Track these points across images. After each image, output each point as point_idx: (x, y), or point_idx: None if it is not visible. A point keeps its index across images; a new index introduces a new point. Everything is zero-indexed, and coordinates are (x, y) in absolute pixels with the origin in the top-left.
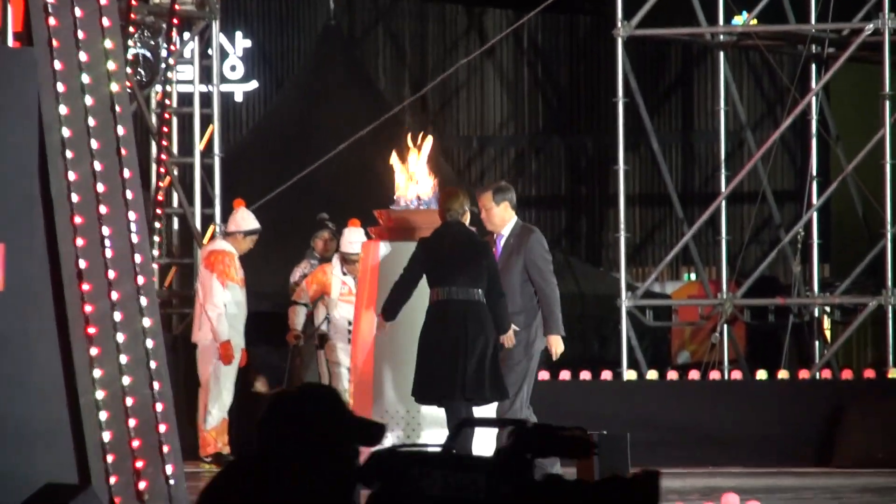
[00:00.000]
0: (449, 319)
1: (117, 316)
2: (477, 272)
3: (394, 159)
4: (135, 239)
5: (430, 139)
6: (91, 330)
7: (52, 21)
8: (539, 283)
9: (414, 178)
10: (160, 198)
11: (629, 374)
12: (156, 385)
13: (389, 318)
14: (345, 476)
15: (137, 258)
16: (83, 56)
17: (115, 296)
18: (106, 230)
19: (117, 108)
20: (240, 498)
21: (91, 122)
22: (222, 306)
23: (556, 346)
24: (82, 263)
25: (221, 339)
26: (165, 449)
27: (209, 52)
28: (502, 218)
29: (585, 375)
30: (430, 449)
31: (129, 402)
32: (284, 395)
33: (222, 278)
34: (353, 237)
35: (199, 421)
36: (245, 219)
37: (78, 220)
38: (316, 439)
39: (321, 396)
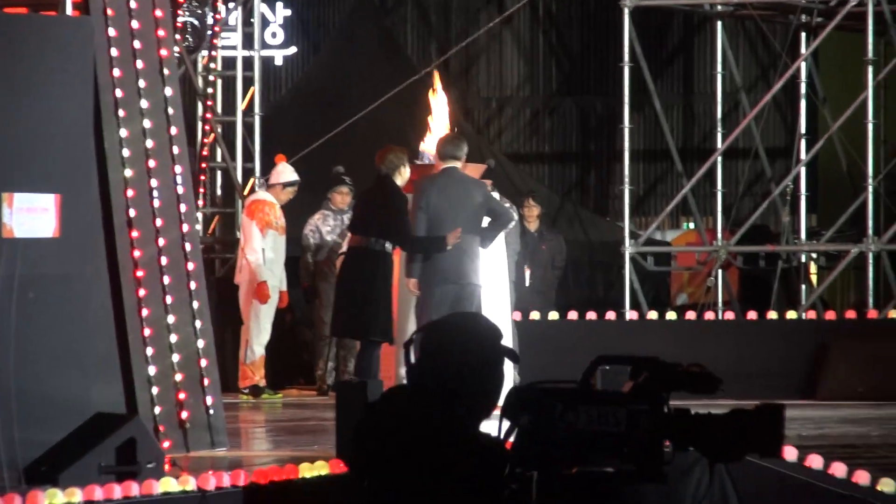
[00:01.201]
0: (346, 265)
1: (163, 260)
2: (374, 222)
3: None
4: (180, 190)
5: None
6: (139, 273)
7: None
8: None
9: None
10: (205, 153)
11: (631, 315)
12: (198, 323)
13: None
14: (493, 403)
15: (182, 207)
16: (135, 24)
17: (161, 242)
18: (154, 182)
19: (166, 72)
20: (397, 425)
21: (141, 83)
22: (260, 251)
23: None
24: (132, 212)
25: (259, 280)
26: (206, 382)
27: (251, 20)
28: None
29: (591, 315)
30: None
31: (172, 338)
32: (435, 325)
33: (261, 225)
34: None
35: (241, 355)
36: (284, 172)
37: (128, 172)
38: (470, 366)
39: (471, 323)
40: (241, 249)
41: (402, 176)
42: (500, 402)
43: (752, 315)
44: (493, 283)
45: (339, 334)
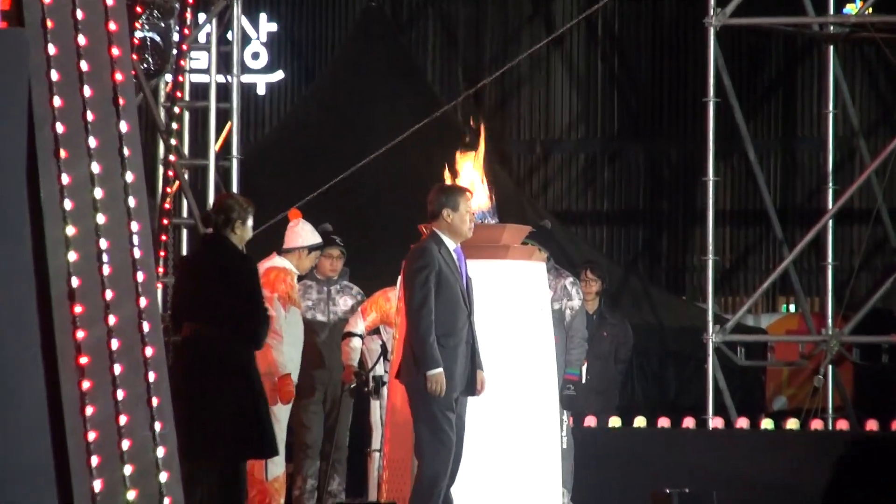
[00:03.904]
0: (179, 361)
1: (114, 344)
2: (210, 302)
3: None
4: (137, 254)
5: (483, 140)
6: (83, 360)
7: None
8: None
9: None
10: (168, 206)
11: (716, 422)
12: (157, 426)
13: None
14: None
15: (140, 276)
16: (82, 40)
17: (112, 320)
18: (104, 243)
19: (120, 101)
20: None
21: (90, 116)
22: (284, 334)
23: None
24: (75, 281)
25: (282, 373)
26: (166, 501)
27: (228, 36)
28: None
29: (664, 423)
30: None
31: (125, 445)
32: None
33: (284, 301)
34: None
35: (254, 470)
36: (305, 232)
37: (71, 230)
38: None
39: None
40: None
41: (241, 234)
42: None
43: (871, 425)
44: (539, 382)
45: (191, 456)
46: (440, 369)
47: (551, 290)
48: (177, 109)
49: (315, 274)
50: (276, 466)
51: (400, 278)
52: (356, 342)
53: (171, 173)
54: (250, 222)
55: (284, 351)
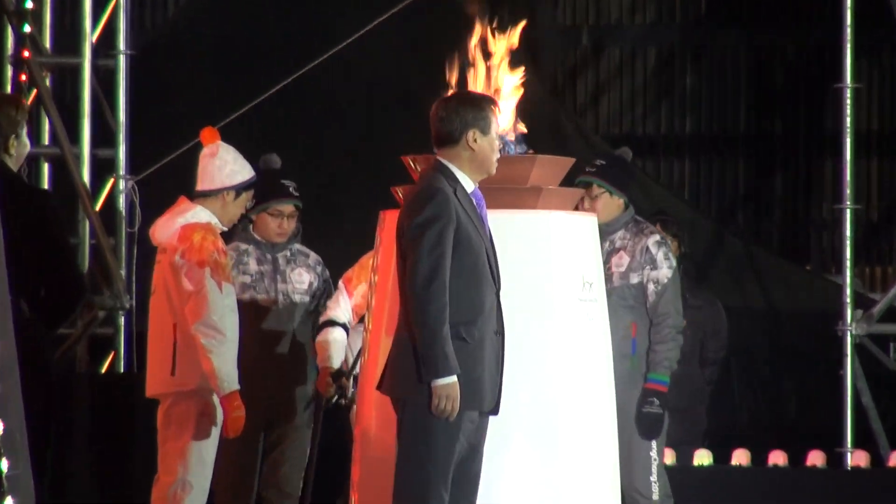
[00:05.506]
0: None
1: None
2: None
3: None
4: None
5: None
6: None
7: None
8: None
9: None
10: None
11: (858, 458)
12: (3, 464)
13: None
14: None
15: None
16: None
17: None
18: None
19: None
20: None
21: None
22: (227, 329)
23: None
24: None
25: (227, 390)
26: None
27: None
28: None
29: (778, 458)
30: None
31: None
32: None
33: (219, 276)
34: None
35: None
36: (234, 162)
37: None
38: None
39: None
40: (174, 329)
41: (19, 152)
42: None
43: None
44: (587, 399)
45: None
46: (454, 377)
47: (628, 255)
48: None
49: (253, 234)
50: None
51: (378, 236)
52: (338, 334)
53: (24, 76)
54: (25, 132)
55: (230, 355)
